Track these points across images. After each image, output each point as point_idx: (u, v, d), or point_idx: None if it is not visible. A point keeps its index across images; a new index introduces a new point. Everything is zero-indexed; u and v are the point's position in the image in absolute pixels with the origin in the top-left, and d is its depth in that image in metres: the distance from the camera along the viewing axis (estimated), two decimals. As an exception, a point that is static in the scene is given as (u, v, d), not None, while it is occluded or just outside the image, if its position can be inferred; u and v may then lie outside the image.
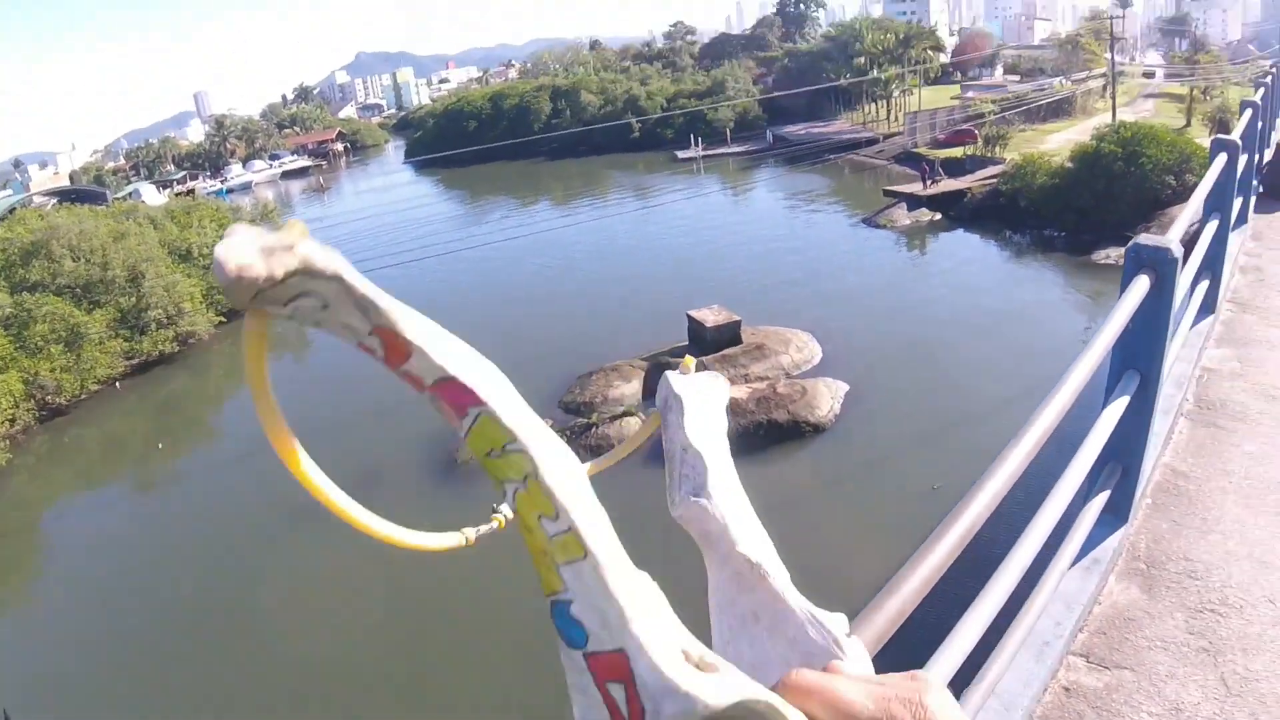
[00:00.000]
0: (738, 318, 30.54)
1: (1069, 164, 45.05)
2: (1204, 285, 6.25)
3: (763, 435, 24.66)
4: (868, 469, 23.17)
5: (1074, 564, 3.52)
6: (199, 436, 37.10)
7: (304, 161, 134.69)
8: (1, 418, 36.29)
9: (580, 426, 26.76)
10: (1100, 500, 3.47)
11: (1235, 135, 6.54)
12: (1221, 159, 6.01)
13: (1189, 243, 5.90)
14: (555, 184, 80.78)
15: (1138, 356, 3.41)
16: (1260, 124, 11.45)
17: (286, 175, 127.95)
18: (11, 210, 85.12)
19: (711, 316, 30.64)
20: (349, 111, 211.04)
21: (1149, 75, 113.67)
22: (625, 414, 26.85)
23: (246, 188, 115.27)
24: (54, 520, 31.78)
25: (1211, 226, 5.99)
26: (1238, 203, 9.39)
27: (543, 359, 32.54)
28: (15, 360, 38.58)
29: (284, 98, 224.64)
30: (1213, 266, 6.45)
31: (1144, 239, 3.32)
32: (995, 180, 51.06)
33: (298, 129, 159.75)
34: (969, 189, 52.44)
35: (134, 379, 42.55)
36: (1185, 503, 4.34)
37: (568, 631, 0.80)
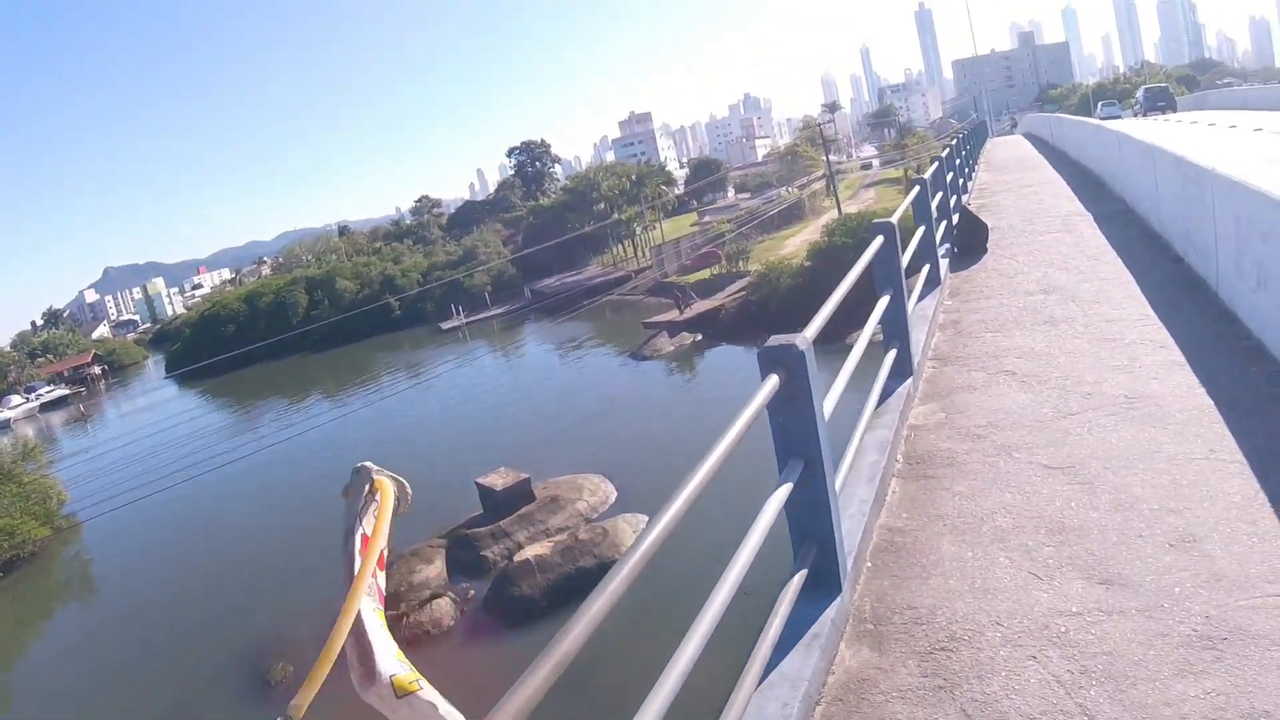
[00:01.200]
0: (525, 475, 30.62)
1: (807, 263, 47.92)
2: (893, 353, 6.67)
3: (573, 586, 24.46)
4: (686, 588, 23.37)
5: (790, 645, 3.64)
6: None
7: (62, 390, 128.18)
8: None
9: (390, 619, 25.73)
10: (799, 578, 3.67)
11: (893, 217, 7.11)
12: (879, 241, 6.51)
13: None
14: (325, 376, 79.28)
15: (795, 444, 3.69)
16: (941, 193, 12.56)
17: (45, 407, 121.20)
18: None
19: (500, 480, 30.64)
20: (102, 331, 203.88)
21: (866, 167, 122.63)
22: (434, 596, 26.35)
23: (4, 425, 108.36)
24: None
25: (884, 301, 6.40)
26: (926, 269, 10.12)
27: (337, 556, 31.82)
28: None
29: (33, 324, 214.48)
30: (899, 335, 6.89)
31: (774, 340, 3.65)
32: (744, 293, 53.75)
33: (51, 356, 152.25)
34: (722, 306, 55.09)
35: None
36: (904, 557, 4.58)
37: None
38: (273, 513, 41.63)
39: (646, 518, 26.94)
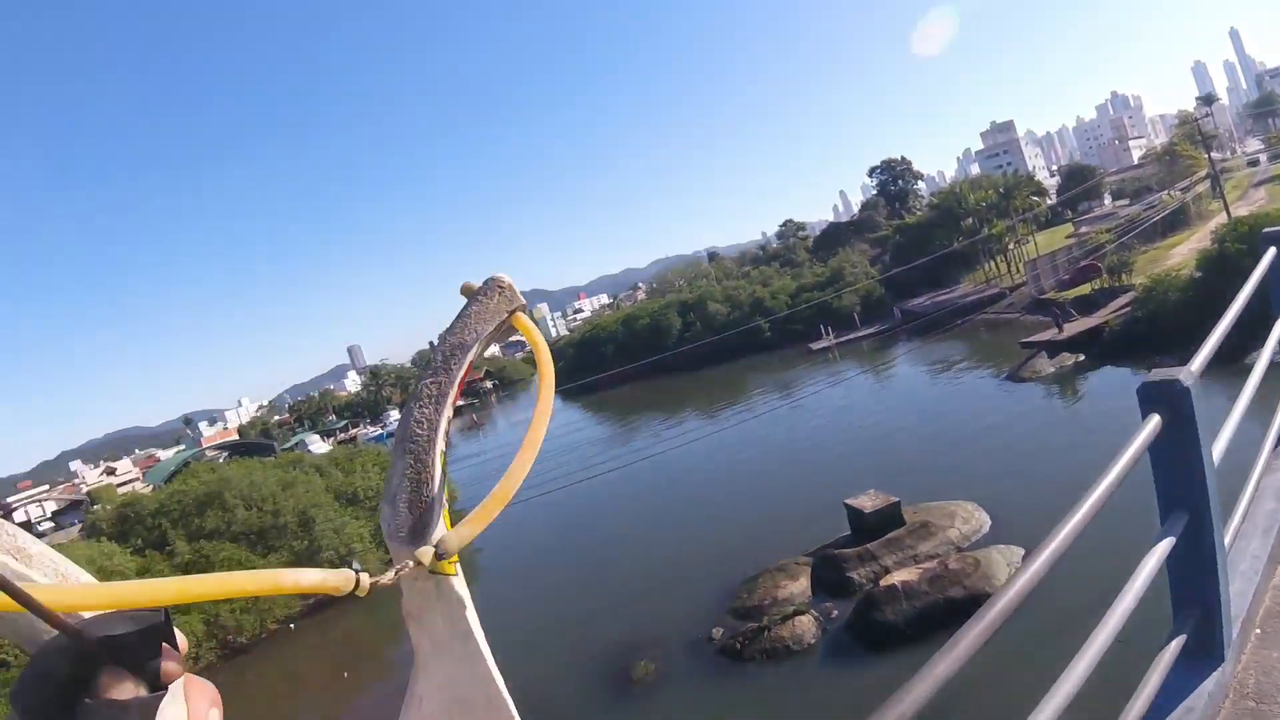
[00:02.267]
0: (896, 499, 29.81)
1: (1198, 273, 44.01)
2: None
3: (940, 615, 23.53)
4: (1057, 635, 22.18)
5: (1160, 717, 3.25)
6: (378, 669, 37.86)
7: (458, 402, 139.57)
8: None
9: (752, 631, 26.21)
10: (1176, 645, 3.29)
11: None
12: (1270, 255, 5.31)
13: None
14: (698, 395, 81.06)
15: (1178, 494, 3.33)
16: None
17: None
18: (185, 465, 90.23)
19: (869, 502, 30.00)
20: (494, 350, 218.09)
21: (1254, 164, 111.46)
22: (796, 613, 26.26)
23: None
24: None
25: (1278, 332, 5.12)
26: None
27: (708, 564, 32.79)
28: (195, 603, 40.44)
29: (431, 344, 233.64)
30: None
31: (1155, 374, 3.27)
32: (1129, 308, 50.03)
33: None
34: (1105, 323, 51.52)
35: (309, 618, 44.29)
36: (1301, 626, 3.88)
37: None
38: (644, 521, 43.23)
39: (1023, 551, 25.48)
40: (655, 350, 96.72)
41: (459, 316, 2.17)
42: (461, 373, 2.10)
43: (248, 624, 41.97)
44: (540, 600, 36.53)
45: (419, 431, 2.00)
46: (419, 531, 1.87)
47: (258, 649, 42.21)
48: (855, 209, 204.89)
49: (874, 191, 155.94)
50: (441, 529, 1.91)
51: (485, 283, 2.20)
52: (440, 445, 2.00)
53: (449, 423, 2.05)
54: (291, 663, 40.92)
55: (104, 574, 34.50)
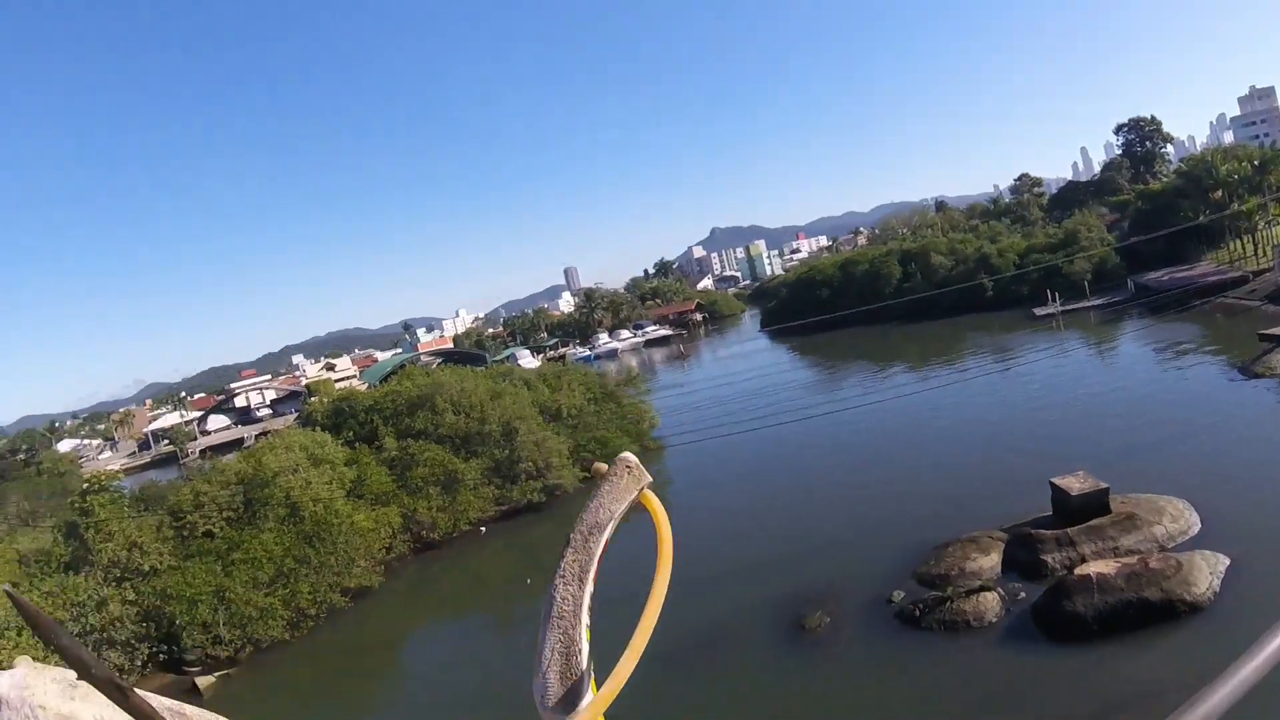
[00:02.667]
0: (1105, 485, 28.36)
1: None
2: None
3: (1132, 615, 22.55)
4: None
5: None
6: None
7: (665, 331, 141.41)
8: (380, 545, 40.76)
9: (934, 600, 25.71)
10: None
11: None
12: None
13: None
14: (909, 348, 79.15)
15: None
16: None
17: (649, 344, 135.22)
18: (401, 367, 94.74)
19: (1076, 484, 28.65)
20: (706, 283, 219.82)
21: None
22: (982, 589, 25.51)
23: (612, 354, 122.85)
24: (417, 639, 36.10)
25: None
26: None
27: (898, 525, 32.32)
28: (397, 497, 43.42)
29: (645, 271, 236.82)
30: None
31: None
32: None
33: (659, 301, 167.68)
34: (1362, 325, 47.24)
35: (499, 524, 46.35)
36: None
37: None
38: (837, 471, 42.85)
39: (1228, 559, 23.99)
40: (871, 298, 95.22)
41: (594, 497, 2.39)
42: (600, 551, 2.30)
43: (442, 523, 43.95)
44: (722, 535, 36.83)
45: (566, 608, 2.21)
46: (569, 701, 2.07)
47: (449, 546, 44.15)
48: (1096, 169, 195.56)
49: (1118, 151, 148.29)
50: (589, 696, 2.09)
51: (613, 463, 2.44)
52: (585, 620, 2.21)
53: (591, 598, 2.26)
54: (477, 562, 42.78)
55: (316, 461, 36.96)
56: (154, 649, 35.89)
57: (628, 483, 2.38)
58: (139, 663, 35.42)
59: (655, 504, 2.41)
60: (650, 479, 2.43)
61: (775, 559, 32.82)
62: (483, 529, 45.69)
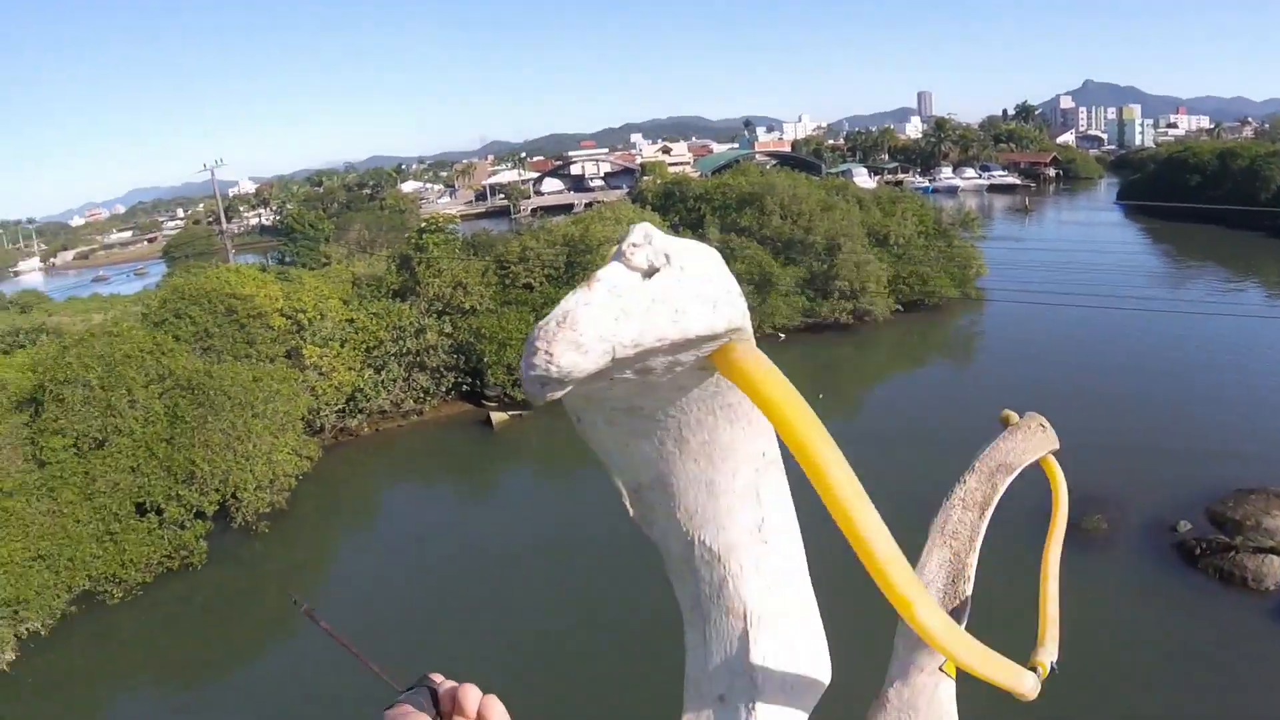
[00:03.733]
0: None
1: None
2: None
3: None
4: None
5: None
6: (849, 404, 38.64)
7: (1012, 179, 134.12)
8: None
9: (1220, 545, 23.58)
10: None
11: None
12: None
13: None
14: (1271, 266, 69.79)
15: None
16: None
17: (993, 188, 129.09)
18: (735, 161, 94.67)
19: None
20: (1067, 138, 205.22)
21: None
22: (1272, 550, 22.98)
23: (952, 191, 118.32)
24: None
25: None
26: None
27: (1201, 452, 30.01)
28: None
29: (1004, 112, 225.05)
30: None
31: None
32: None
33: (1012, 145, 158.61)
34: None
35: (801, 334, 46.41)
36: None
37: None
38: (1152, 373, 39.61)
39: None
40: (1245, 199, 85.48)
41: (1005, 439, 2.42)
42: (1003, 490, 2.26)
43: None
44: (1017, 395, 34.28)
45: (962, 531, 2.15)
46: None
47: None
48: None
49: None
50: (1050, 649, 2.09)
51: (1025, 417, 2.48)
52: (978, 548, 2.15)
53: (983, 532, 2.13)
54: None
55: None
56: (459, 379, 38.53)
57: (1041, 440, 2.44)
58: (444, 388, 38.08)
59: (1057, 470, 2.45)
60: (1058, 445, 2.46)
61: (1062, 442, 30.58)
62: (782, 335, 45.51)
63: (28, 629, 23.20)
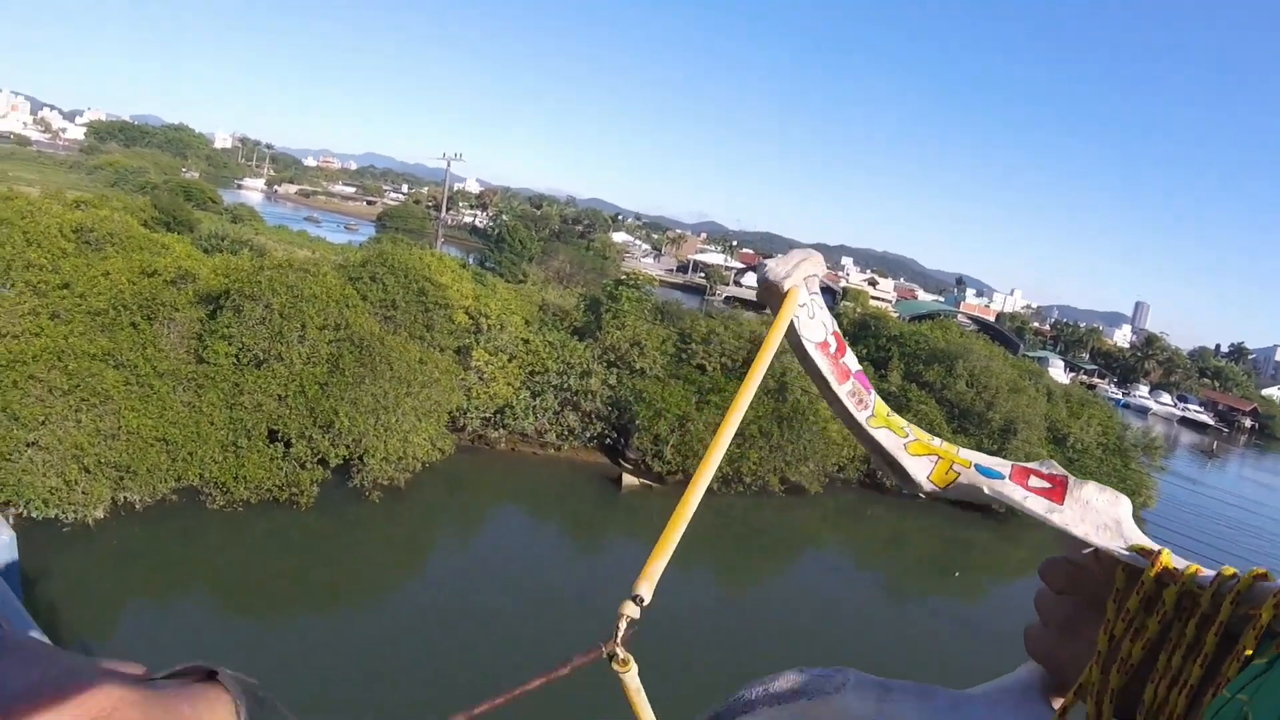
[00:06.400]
0: None
1: None
2: None
3: None
4: None
5: None
6: (978, 590, 37.68)
7: (1207, 417, 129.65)
8: (837, 460, 41.11)
9: None
10: None
11: None
12: None
13: None
14: None
15: None
16: None
17: (1183, 421, 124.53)
18: (936, 314, 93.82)
19: None
20: (1273, 392, 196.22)
21: None
22: None
23: (1142, 412, 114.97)
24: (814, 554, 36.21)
25: None
26: None
27: None
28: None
29: (1216, 346, 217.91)
30: None
31: None
32: None
33: (1216, 384, 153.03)
34: None
35: (949, 509, 44.90)
36: None
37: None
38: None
39: None
40: None
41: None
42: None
43: None
44: None
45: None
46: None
47: (893, 493, 43.62)
48: None
49: None
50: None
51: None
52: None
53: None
54: (902, 519, 42.09)
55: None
56: (605, 431, 38.55)
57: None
58: (589, 434, 38.33)
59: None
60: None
61: None
62: (922, 495, 43.82)
63: (126, 497, 24.17)
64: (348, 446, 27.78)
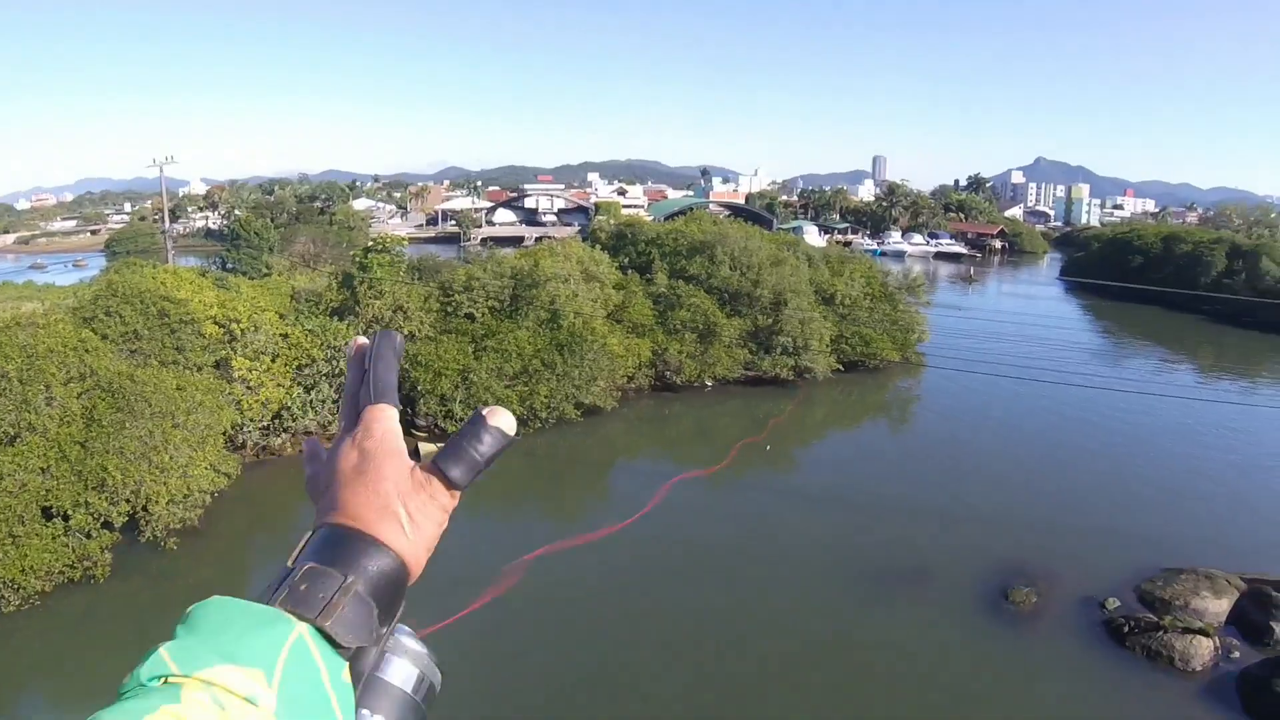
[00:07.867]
0: None
1: None
2: None
3: None
4: None
5: None
6: (787, 460, 38.68)
7: (959, 248, 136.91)
8: (624, 373, 41.80)
9: (1147, 624, 23.81)
10: None
11: None
12: None
13: None
14: (1206, 349, 70.74)
15: None
16: None
17: (939, 256, 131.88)
18: (689, 209, 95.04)
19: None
20: (1015, 212, 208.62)
21: None
22: (1201, 632, 23.21)
23: (899, 255, 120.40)
24: (628, 463, 38.12)
25: None
26: None
27: (1133, 531, 30.33)
28: (653, 332, 44.80)
29: (955, 182, 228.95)
30: None
31: None
32: None
33: (962, 215, 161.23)
34: None
35: (739, 386, 46.95)
36: None
37: None
38: (1087, 452, 40.22)
39: None
40: (1185, 284, 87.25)
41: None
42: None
43: (689, 369, 45.31)
44: (947, 471, 36.47)
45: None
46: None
47: (687, 392, 45.26)
48: None
49: None
50: None
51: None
52: None
53: None
54: (710, 415, 44.46)
55: (588, 277, 37.49)
56: (389, 406, 37.79)
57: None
58: (373, 414, 37.45)
59: None
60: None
61: (995, 514, 31.71)
62: (709, 385, 46.14)
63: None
64: (127, 500, 26.36)
